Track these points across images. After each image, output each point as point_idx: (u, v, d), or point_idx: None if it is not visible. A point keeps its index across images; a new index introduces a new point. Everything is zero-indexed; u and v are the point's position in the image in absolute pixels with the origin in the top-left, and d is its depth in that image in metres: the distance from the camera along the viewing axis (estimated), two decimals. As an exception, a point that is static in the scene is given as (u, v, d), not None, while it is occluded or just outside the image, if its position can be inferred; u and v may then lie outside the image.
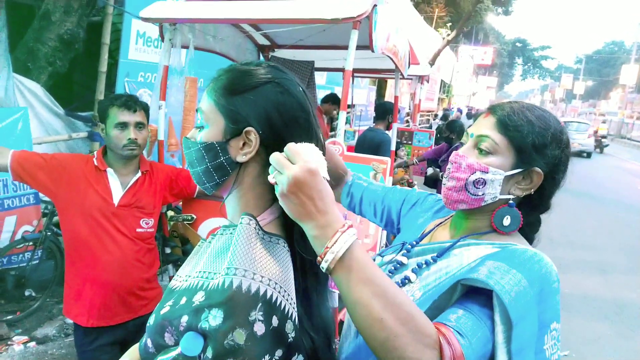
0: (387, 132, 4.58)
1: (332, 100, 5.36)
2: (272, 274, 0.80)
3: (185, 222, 2.46)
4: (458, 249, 1.06)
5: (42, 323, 3.67)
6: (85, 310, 2.03)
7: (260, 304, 0.76)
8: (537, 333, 0.88)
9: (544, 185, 1.05)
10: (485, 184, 1.03)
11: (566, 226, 7.59)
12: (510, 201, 1.05)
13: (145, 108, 2.09)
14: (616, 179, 14.08)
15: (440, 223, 1.22)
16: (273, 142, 0.86)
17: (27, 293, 3.87)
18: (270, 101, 0.86)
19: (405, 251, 1.16)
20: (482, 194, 1.04)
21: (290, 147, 0.80)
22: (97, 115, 4.17)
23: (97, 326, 2.04)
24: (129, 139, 1.99)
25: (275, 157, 0.79)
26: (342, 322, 1.19)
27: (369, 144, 4.21)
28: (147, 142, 2.19)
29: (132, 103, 2.02)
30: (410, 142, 6.70)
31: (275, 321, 0.77)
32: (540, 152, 1.02)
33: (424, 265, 1.07)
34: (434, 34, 17.27)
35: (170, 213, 2.63)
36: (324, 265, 0.77)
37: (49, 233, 3.70)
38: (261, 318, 0.75)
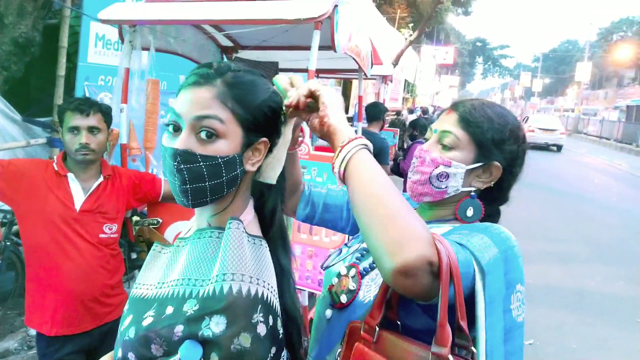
0: (382, 135, 4.63)
1: None
2: (264, 275, 0.82)
3: (150, 227, 2.42)
4: None
5: (3, 336, 3.54)
6: (48, 318, 1.98)
7: (260, 305, 0.78)
8: (504, 291, 0.94)
9: (503, 178, 1.12)
10: (448, 177, 1.09)
11: (529, 219, 7.82)
12: (472, 193, 1.11)
13: (103, 111, 2.04)
14: (575, 173, 14.60)
15: None
16: (271, 144, 0.93)
17: (-14, 305, 3.73)
18: (276, 110, 0.91)
19: None
20: (445, 187, 1.10)
21: (308, 84, 0.94)
22: (57, 121, 4.07)
23: (61, 335, 1.99)
24: (80, 143, 1.95)
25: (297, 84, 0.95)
26: (312, 320, 1.21)
27: None
28: (108, 146, 2.15)
29: (85, 107, 1.96)
30: (375, 142, 6.76)
31: (271, 321, 0.79)
32: (499, 147, 1.09)
33: None
34: (397, 35, 17.48)
35: (136, 218, 2.59)
36: (343, 152, 0.88)
37: (9, 243, 3.57)
38: (262, 319, 0.77)
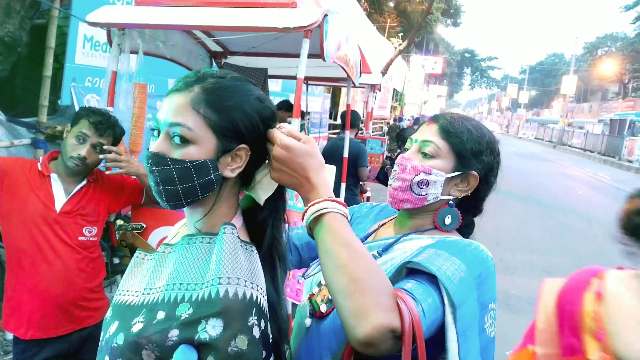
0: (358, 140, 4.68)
1: (286, 107, 5.38)
2: (257, 279, 0.84)
3: (134, 231, 2.40)
4: (401, 243, 1.13)
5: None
6: (24, 321, 1.96)
7: (255, 309, 0.79)
8: (478, 314, 0.96)
9: (479, 188, 1.16)
10: (428, 185, 1.12)
11: (512, 230, 7.90)
12: (450, 201, 1.15)
13: (116, 136, 2.07)
14: (559, 184, 14.78)
15: (384, 223, 1.29)
16: (254, 152, 0.92)
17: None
18: (257, 117, 0.90)
19: None
20: (425, 194, 1.13)
21: (269, 132, 0.92)
22: (42, 122, 4.02)
23: (38, 338, 1.96)
24: (79, 154, 1.95)
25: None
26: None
27: (342, 153, 3.88)
28: None
29: (103, 127, 1.99)
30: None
31: (263, 324, 0.80)
32: (477, 157, 1.14)
33: None
34: (386, 44, 17.62)
35: (119, 222, 2.56)
36: (307, 218, 0.90)
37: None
38: (256, 322, 0.78)
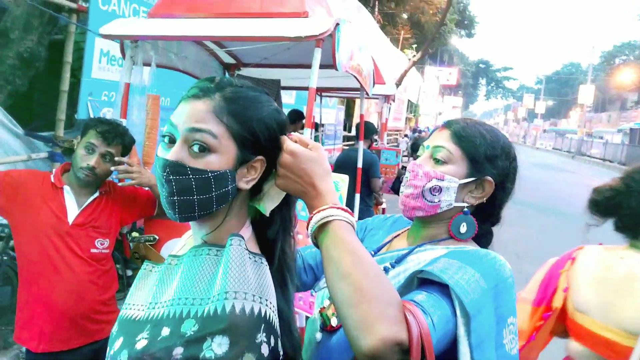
0: (372, 151, 4.64)
1: (294, 118, 5.35)
2: (266, 293, 0.80)
3: (147, 243, 2.39)
4: (415, 254, 1.09)
5: (-4, 353, 3.49)
6: (35, 334, 1.94)
7: (263, 325, 0.75)
8: (495, 327, 0.91)
9: (495, 195, 1.11)
10: (441, 191, 1.08)
11: (532, 241, 7.74)
12: (465, 209, 1.11)
13: (125, 144, 2.05)
14: (579, 194, 14.39)
15: (397, 235, 1.25)
16: (268, 164, 0.89)
17: (-21, 320, 3.68)
18: (276, 129, 0.88)
19: None
20: (438, 201, 1.09)
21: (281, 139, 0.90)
22: (59, 136, 4.07)
23: (49, 351, 1.94)
24: (88, 164, 1.95)
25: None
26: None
27: (355, 164, 3.87)
28: None
29: (110, 136, 1.98)
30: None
31: (273, 341, 0.76)
32: (491, 162, 1.09)
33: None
34: (400, 55, 17.63)
35: (135, 234, 2.56)
36: (312, 226, 0.86)
37: (5, 257, 3.53)
38: (265, 339, 0.74)
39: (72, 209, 1.99)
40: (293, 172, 0.87)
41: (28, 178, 1.99)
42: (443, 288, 0.89)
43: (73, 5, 4.24)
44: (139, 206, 2.23)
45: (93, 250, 2.03)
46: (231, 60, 3.40)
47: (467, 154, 1.09)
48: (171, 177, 0.81)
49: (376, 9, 19.33)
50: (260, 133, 0.85)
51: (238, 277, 0.77)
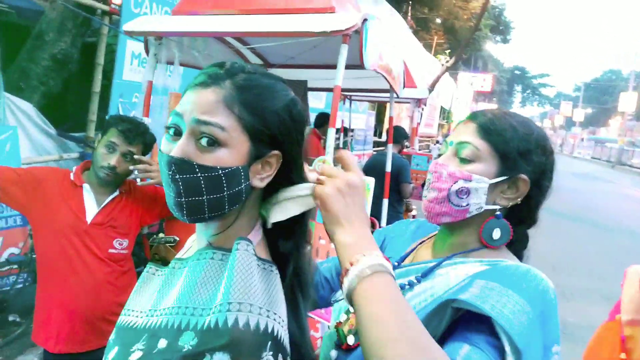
0: (402, 156, 4.53)
1: (326, 120, 5.26)
2: (274, 306, 0.71)
3: (167, 245, 2.34)
4: (443, 268, 0.96)
5: (24, 350, 3.51)
6: (52, 335, 1.91)
7: (270, 342, 0.66)
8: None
9: (531, 195, 0.98)
10: (469, 194, 0.95)
11: (569, 253, 7.42)
12: (498, 212, 0.97)
13: (147, 142, 2.02)
14: (618, 205, 13.94)
15: (423, 242, 1.12)
16: (285, 161, 0.80)
17: (11, 318, 3.73)
18: (292, 121, 0.79)
19: None
20: (467, 205, 0.96)
21: (344, 155, 0.82)
22: (91, 136, 4.13)
23: (66, 352, 1.91)
24: (109, 163, 1.91)
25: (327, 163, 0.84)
26: None
27: (384, 169, 3.73)
28: None
29: (131, 135, 1.94)
30: (407, 166, 6.61)
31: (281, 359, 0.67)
32: (525, 158, 0.96)
33: (407, 287, 0.97)
34: (433, 61, 17.39)
35: (161, 235, 2.52)
36: (353, 272, 0.71)
37: (34, 255, 3.57)
38: (271, 359, 0.65)
39: (91, 207, 1.96)
40: (353, 196, 0.76)
41: (48, 176, 1.97)
42: (484, 321, 0.77)
43: (105, 7, 4.29)
44: (159, 206, 2.18)
45: (111, 251, 1.99)
46: (257, 61, 3.35)
47: (497, 149, 0.95)
48: (177, 177, 0.72)
49: (409, 14, 19.16)
50: (276, 126, 0.76)
51: (243, 287, 0.68)
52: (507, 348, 0.73)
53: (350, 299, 0.72)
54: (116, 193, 2.03)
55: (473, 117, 1.02)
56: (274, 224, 0.83)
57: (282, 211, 0.81)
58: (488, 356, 0.74)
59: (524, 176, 0.96)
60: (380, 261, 0.71)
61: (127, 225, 2.05)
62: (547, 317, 0.81)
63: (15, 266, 3.48)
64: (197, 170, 0.72)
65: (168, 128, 0.77)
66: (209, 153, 0.72)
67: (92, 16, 4.37)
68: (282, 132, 0.77)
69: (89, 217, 1.94)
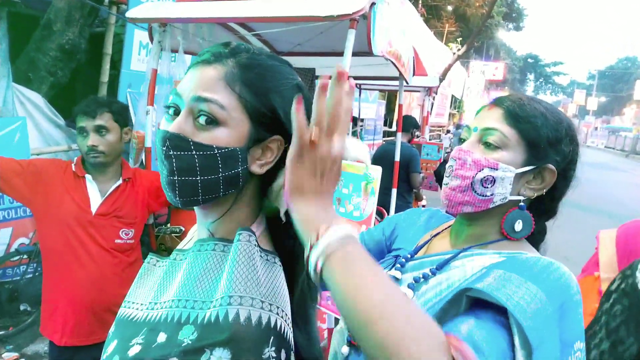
0: (412, 145, 4.48)
1: None
2: (277, 299, 0.67)
3: (173, 235, 2.33)
4: (459, 260, 0.92)
5: (35, 339, 3.55)
6: (59, 327, 1.90)
7: (272, 337, 0.63)
8: (559, 356, 0.74)
9: (556, 186, 0.93)
10: (494, 183, 0.90)
11: (582, 244, 7.26)
12: (521, 203, 0.93)
13: (113, 110, 1.94)
14: (633, 195, 13.73)
15: (438, 233, 1.07)
16: (286, 148, 0.73)
17: (22, 307, 3.76)
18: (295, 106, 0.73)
19: (399, 265, 1.01)
20: (491, 194, 0.91)
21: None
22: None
23: (72, 345, 1.90)
24: (88, 145, 1.87)
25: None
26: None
27: (394, 158, 3.58)
28: (133, 150, 2.07)
29: (91, 108, 1.88)
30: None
31: (283, 355, 0.64)
32: (554, 148, 0.91)
33: (422, 279, 0.93)
34: (445, 49, 17.18)
35: (167, 225, 2.50)
36: (321, 247, 0.61)
37: (43, 246, 3.60)
38: (274, 355, 0.63)
39: (95, 198, 1.93)
40: (325, 169, 0.65)
41: (50, 168, 1.94)
42: (497, 309, 0.72)
43: (113, -3, 4.27)
44: (165, 194, 2.15)
45: (117, 241, 1.97)
46: (264, 48, 3.30)
47: (526, 137, 0.90)
48: (171, 153, 0.69)
49: (420, 2, 18.92)
50: (280, 108, 0.72)
51: (245, 279, 0.65)
52: (517, 341, 0.68)
53: (318, 274, 0.63)
54: (119, 182, 2.00)
55: (499, 102, 0.97)
56: (277, 219, 0.79)
57: (283, 202, 0.78)
58: (494, 330, 0.69)
59: (551, 166, 0.92)
60: (348, 232, 0.63)
61: (132, 214, 2.02)
62: (567, 311, 0.76)
63: (25, 256, 3.50)
64: (192, 147, 0.68)
65: (167, 107, 0.74)
66: (206, 132, 0.69)
67: (99, 5, 4.35)
68: (286, 116, 0.73)
69: (94, 208, 1.92)
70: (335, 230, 0.62)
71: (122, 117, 1.99)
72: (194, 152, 0.68)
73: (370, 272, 0.61)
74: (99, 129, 1.89)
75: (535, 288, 0.74)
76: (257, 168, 0.74)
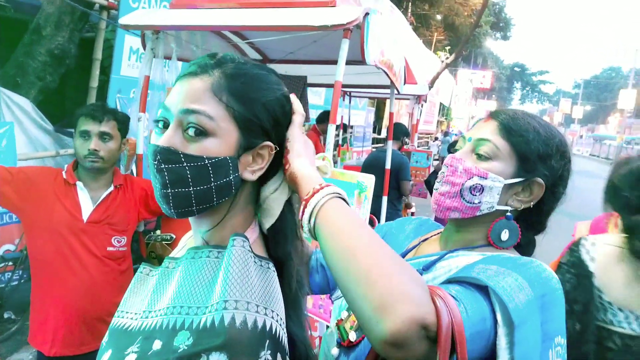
0: (402, 153, 4.51)
1: (327, 117, 5.24)
2: (272, 303, 0.69)
3: (163, 242, 2.31)
4: (446, 261, 0.95)
5: (19, 348, 3.48)
6: (49, 337, 1.87)
7: (268, 340, 0.64)
8: (540, 345, 0.76)
9: (544, 200, 0.96)
10: (482, 191, 0.94)
11: (568, 250, 7.40)
12: (508, 213, 0.96)
13: (118, 119, 1.95)
14: (617, 203, 13.90)
15: (426, 239, 1.11)
16: (279, 155, 0.78)
17: (6, 315, 3.70)
18: (282, 114, 0.77)
19: None
20: (479, 202, 0.94)
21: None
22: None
23: (61, 355, 1.87)
24: (89, 149, 1.86)
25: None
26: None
27: (384, 166, 3.66)
28: (124, 156, 2.06)
29: (98, 113, 1.89)
30: (407, 163, 6.57)
31: (279, 358, 0.66)
32: (544, 162, 0.94)
33: None
34: (433, 57, 17.32)
35: (158, 232, 2.48)
36: (321, 194, 0.72)
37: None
38: (270, 358, 0.63)
39: (87, 205, 1.92)
40: (301, 151, 0.79)
41: (40, 175, 1.92)
42: (481, 290, 0.75)
43: (104, 2, 4.25)
44: (155, 202, 2.14)
45: (110, 249, 1.96)
46: (256, 56, 3.31)
47: (517, 150, 0.94)
48: (163, 166, 0.70)
49: (409, 10, 19.09)
50: (266, 117, 0.75)
51: (240, 284, 0.66)
52: (499, 318, 0.71)
53: (313, 219, 0.72)
54: (111, 188, 1.99)
55: (495, 115, 1.00)
56: (268, 230, 0.82)
57: (270, 214, 0.81)
58: (476, 294, 0.74)
59: (540, 180, 0.95)
60: (338, 190, 0.74)
61: (125, 221, 2.01)
62: (548, 303, 0.79)
63: (11, 263, 3.45)
64: (183, 159, 0.70)
65: (157, 121, 0.75)
66: (196, 143, 0.71)
67: (90, 11, 4.32)
68: (273, 124, 0.76)
69: (85, 215, 1.90)
70: (331, 187, 0.73)
71: (125, 127, 2.00)
72: (185, 164, 0.70)
73: (360, 219, 0.70)
74: (103, 135, 1.90)
75: (517, 275, 0.78)
76: (249, 175, 0.76)
